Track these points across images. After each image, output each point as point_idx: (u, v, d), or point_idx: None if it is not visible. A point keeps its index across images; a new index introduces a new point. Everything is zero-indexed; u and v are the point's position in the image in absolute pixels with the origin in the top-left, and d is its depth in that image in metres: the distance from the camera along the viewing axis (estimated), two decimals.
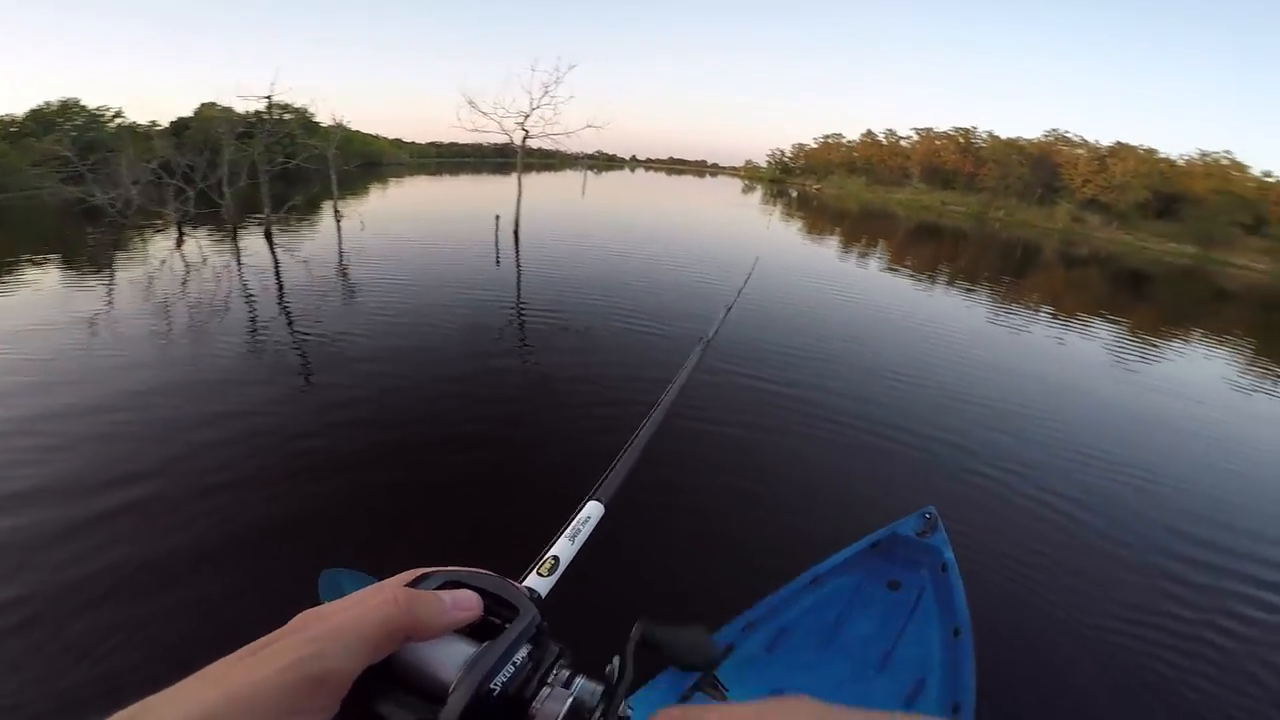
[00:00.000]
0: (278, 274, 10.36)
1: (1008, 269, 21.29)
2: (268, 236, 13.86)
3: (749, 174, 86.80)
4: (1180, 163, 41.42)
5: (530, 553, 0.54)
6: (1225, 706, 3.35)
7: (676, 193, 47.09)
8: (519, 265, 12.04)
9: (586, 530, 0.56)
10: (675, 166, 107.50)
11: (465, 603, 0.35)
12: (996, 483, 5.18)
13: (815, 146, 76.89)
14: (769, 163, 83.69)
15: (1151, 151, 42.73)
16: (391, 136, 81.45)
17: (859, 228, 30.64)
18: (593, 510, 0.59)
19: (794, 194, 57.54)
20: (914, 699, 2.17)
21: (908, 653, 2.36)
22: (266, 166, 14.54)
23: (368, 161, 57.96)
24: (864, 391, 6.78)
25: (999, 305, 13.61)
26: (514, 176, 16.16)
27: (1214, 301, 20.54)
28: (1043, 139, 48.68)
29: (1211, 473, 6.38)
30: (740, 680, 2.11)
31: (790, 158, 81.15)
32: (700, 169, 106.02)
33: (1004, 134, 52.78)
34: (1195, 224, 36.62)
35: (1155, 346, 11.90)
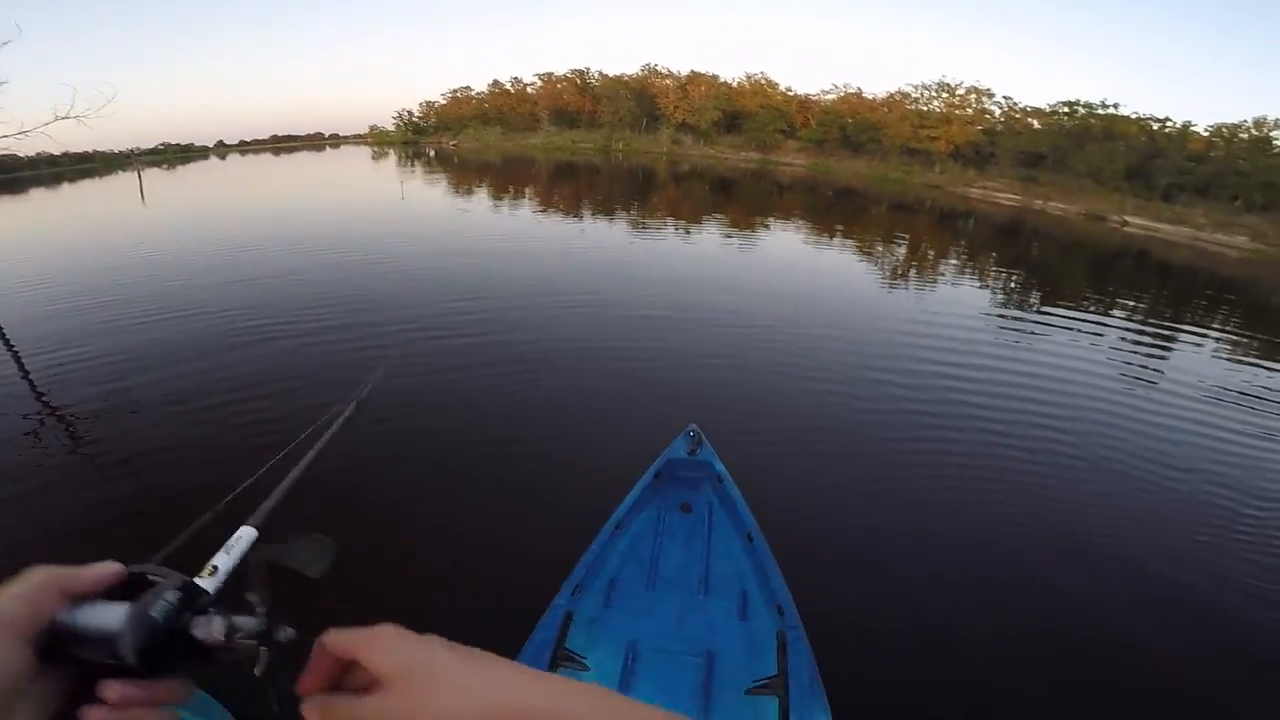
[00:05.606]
0: None
1: (636, 193, 23.27)
2: None
3: (377, 139, 77.64)
4: (735, 85, 51.75)
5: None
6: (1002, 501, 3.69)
7: (284, 174, 39.01)
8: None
9: (240, 548, 0.62)
10: (283, 145, 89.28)
11: (104, 567, 0.38)
12: (727, 381, 5.20)
13: (445, 102, 72.93)
14: (397, 125, 76.34)
15: (715, 77, 52.30)
16: None
17: (504, 176, 29.98)
18: (245, 533, 0.65)
19: (432, 153, 54.01)
20: (745, 612, 2.23)
21: (721, 569, 2.43)
22: None
23: None
24: (572, 333, 6.43)
25: (640, 227, 14.33)
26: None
27: (778, 194, 26.15)
28: (640, 74, 55.03)
29: (862, 308, 7.76)
30: (593, 643, 2.06)
31: (420, 116, 75.43)
32: (318, 142, 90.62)
33: (611, 72, 57.85)
34: (752, 134, 46.69)
35: (754, 232, 14.08)
